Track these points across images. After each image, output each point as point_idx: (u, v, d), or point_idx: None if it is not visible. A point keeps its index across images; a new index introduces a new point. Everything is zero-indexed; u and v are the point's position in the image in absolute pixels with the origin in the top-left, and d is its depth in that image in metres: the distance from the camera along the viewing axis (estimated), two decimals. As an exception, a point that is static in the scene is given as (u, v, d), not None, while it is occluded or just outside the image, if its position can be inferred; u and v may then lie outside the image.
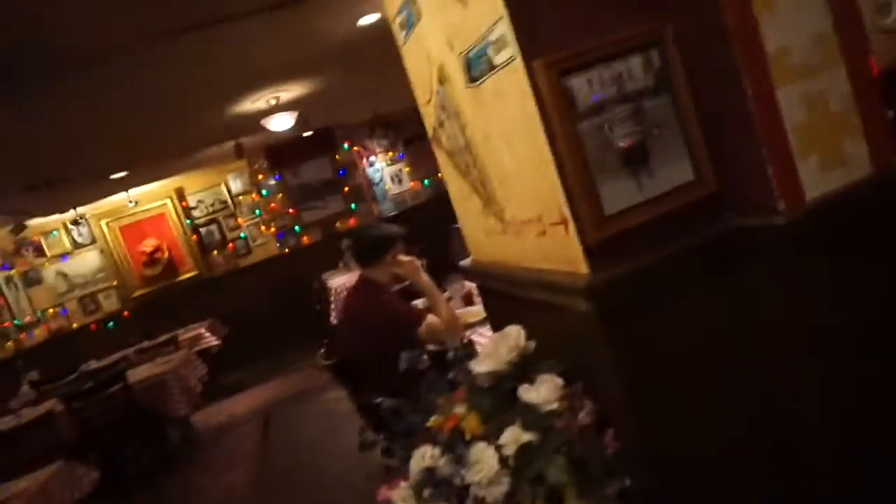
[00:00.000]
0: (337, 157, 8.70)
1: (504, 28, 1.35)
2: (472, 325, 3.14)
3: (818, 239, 1.40)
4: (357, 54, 4.94)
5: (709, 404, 1.44)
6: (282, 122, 6.09)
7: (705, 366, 1.44)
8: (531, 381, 1.52)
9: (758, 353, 1.46)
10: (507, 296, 1.86)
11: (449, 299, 3.51)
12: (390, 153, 9.00)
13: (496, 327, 2.07)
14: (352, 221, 8.60)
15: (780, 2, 1.37)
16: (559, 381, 1.48)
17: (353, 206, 8.68)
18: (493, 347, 1.57)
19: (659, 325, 1.41)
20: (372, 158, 8.91)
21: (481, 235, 1.97)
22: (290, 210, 8.57)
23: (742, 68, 1.37)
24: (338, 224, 8.62)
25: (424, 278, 3.01)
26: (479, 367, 1.56)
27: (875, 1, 3.13)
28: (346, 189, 8.70)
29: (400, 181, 9.05)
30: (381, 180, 8.96)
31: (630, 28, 1.40)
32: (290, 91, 5.68)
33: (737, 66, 1.37)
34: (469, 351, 1.72)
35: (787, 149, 1.39)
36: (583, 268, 1.40)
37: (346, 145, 8.75)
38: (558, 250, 1.47)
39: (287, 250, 8.54)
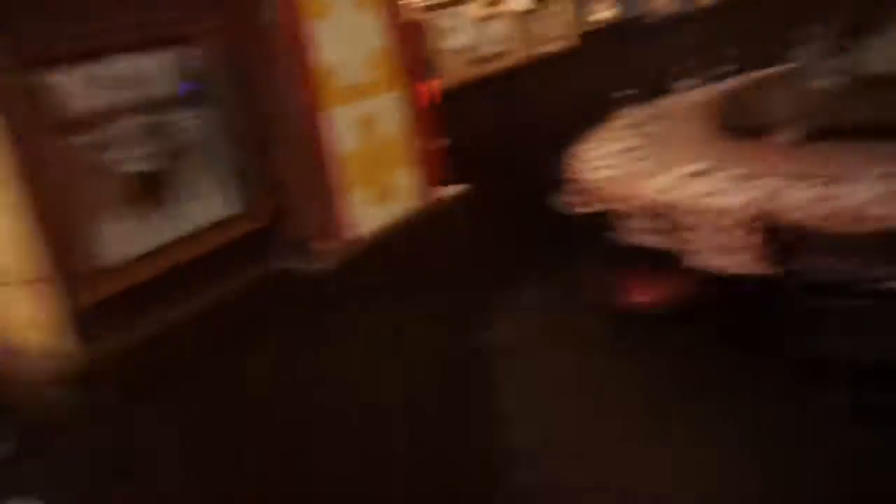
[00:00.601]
0: None
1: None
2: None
3: (370, 276, 1.27)
4: None
5: None
6: None
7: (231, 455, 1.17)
8: None
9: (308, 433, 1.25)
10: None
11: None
12: None
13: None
14: None
15: (335, 12, 1.17)
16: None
17: None
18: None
19: (171, 415, 1.05)
20: None
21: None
22: None
23: (290, 83, 1.13)
24: None
25: None
26: None
27: (436, 25, 3.33)
28: None
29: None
30: None
31: (149, 15, 1.03)
32: None
33: (284, 79, 1.12)
34: None
35: (339, 179, 1.21)
36: (66, 343, 0.98)
37: None
38: (34, 317, 1.02)
39: None
